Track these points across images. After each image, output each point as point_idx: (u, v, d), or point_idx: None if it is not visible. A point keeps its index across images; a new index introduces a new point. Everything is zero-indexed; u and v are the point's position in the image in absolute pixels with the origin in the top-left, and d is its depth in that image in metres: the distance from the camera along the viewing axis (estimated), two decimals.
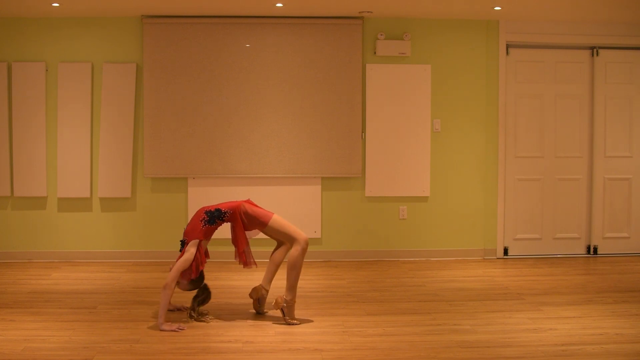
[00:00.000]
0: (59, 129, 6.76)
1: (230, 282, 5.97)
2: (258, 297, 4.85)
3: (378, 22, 6.91)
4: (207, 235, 4.72)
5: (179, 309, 4.98)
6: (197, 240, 4.66)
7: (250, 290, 4.98)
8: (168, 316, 4.78)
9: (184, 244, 4.71)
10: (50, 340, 4.25)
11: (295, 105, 6.85)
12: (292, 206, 6.92)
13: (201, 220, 4.69)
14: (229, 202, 4.84)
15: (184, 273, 4.64)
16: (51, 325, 4.57)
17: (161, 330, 4.47)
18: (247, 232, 4.76)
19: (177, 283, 4.74)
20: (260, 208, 4.80)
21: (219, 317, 4.85)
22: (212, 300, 5.25)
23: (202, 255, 4.67)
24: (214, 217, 4.70)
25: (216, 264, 6.70)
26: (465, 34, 6.98)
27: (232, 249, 6.85)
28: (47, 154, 6.78)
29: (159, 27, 6.74)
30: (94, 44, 6.79)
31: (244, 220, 4.71)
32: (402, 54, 6.88)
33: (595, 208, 7.21)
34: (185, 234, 4.75)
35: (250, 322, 4.72)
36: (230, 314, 4.91)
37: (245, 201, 4.81)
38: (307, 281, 6.02)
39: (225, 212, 4.71)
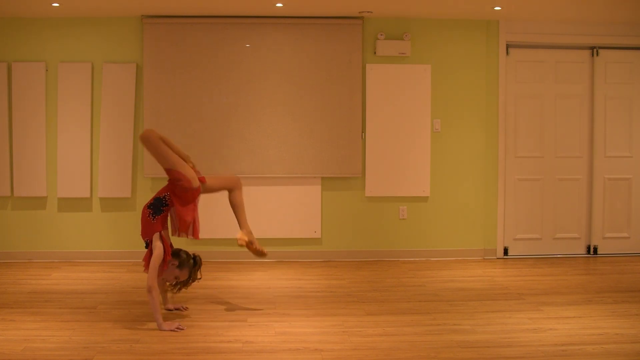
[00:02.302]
0: (59, 129, 6.76)
1: (230, 282, 5.97)
2: (249, 241, 4.94)
3: (378, 22, 6.91)
4: (163, 224, 4.70)
5: (177, 309, 4.98)
6: (158, 233, 4.64)
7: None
8: (167, 316, 4.78)
9: (148, 244, 4.70)
10: (50, 340, 4.25)
11: (295, 105, 6.85)
12: (292, 206, 6.92)
13: (149, 216, 4.67)
14: (160, 189, 4.80)
15: (161, 269, 4.62)
16: (51, 325, 4.57)
17: (161, 330, 4.46)
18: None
19: (175, 279, 4.71)
20: (187, 178, 4.72)
21: (219, 317, 4.85)
22: (212, 300, 5.27)
23: (167, 245, 4.64)
24: (157, 206, 4.67)
25: (216, 264, 6.71)
26: (465, 34, 6.98)
27: (232, 249, 6.89)
28: (47, 154, 6.78)
29: (159, 27, 6.74)
30: (94, 44, 6.79)
31: (181, 196, 4.67)
32: (402, 54, 6.88)
33: (595, 208, 7.21)
34: (143, 236, 4.71)
35: (250, 322, 4.72)
36: (230, 314, 4.91)
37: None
38: (307, 281, 6.03)
39: (164, 197, 4.69)
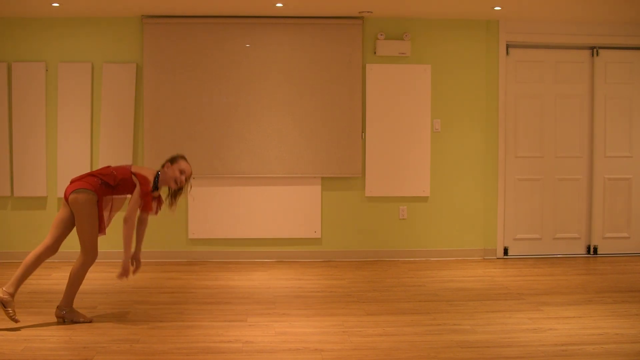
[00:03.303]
0: (59, 128, 6.76)
1: (230, 282, 5.97)
2: None
3: (378, 22, 6.91)
4: (122, 171, 4.75)
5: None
6: (130, 173, 4.70)
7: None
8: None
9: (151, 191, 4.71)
10: (50, 340, 4.25)
11: (295, 105, 6.85)
12: (292, 206, 6.92)
13: (109, 185, 4.70)
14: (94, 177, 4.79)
15: (148, 196, 4.64)
16: (51, 325, 4.57)
17: (123, 265, 4.54)
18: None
19: (181, 173, 4.69)
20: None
21: (219, 317, 4.85)
22: (212, 300, 5.26)
23: (142, 176, 4.65)
24: (105, 182, 4.73)
25: (216, 264, 6.71)
26: (465, 34, 6.98)
27: (232, 249, 6.89)
28: (47, 154, 6.78)
29: (159, 27, 6.74)
30: (94, 44, 6.79)
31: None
32: (402, 54, 6.88)
33: (595, 208, 7.21)
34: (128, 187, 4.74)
35: (250, 322, 4.72)
36: (230, 314, 4.91)
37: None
38: (307, 281, 6.03)
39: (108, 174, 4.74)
